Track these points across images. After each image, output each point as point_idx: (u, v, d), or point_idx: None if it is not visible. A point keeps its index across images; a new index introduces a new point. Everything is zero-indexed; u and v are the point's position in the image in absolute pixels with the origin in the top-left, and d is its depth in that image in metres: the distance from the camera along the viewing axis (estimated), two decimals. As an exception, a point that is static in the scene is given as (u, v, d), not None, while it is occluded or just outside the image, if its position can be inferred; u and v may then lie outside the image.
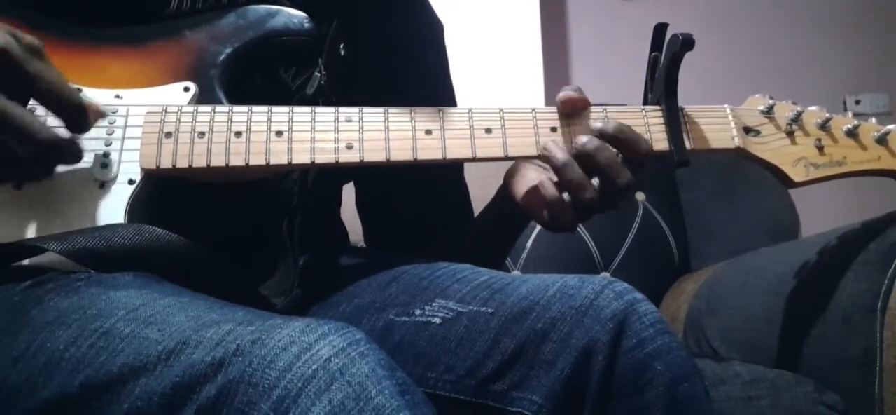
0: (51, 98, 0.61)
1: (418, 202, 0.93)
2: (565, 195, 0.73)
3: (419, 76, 0.92)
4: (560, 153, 0.72)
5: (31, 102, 0.61)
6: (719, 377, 0.95)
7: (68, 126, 0.62)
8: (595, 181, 0.73)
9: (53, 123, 0.62)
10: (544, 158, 0.73)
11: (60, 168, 0.65)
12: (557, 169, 0.72)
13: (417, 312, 0.70)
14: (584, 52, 2.36)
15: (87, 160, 0.66)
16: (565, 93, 0.75)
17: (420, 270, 0.75)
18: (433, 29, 0.97)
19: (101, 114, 0.66)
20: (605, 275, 1.41)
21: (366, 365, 0.47)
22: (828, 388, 0.93)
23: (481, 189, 0.99)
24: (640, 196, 1.49)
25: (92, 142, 0.67)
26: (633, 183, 0.72)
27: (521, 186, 0.80)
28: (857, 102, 2.41)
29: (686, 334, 1.23)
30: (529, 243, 1.42)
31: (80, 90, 0.70)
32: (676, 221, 1.49)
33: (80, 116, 0.62)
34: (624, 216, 1.46)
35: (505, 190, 0.83)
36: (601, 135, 0.73)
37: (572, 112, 0.75)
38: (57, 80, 0.61)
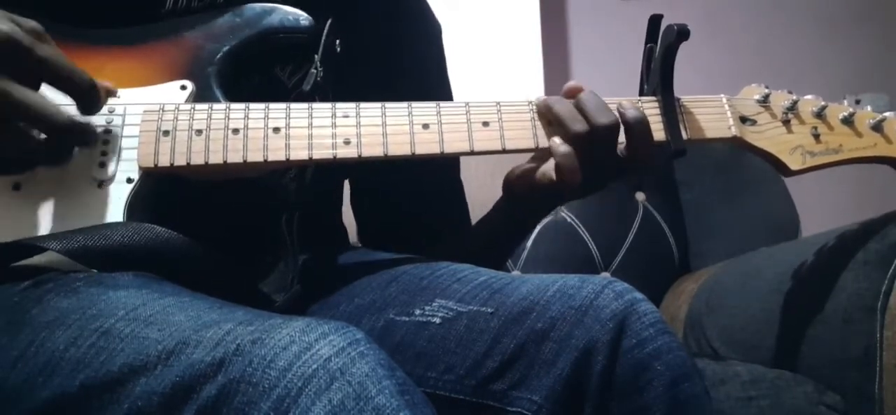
0: (64, 80, 0.61)
1: (413, 201, 0.93)
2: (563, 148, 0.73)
3: (416, 74, 0.92)
4: (545, 99, 0.74)
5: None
6: (719, 377, 0.94)
7: (81, 107, 0.63)
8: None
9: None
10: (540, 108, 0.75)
11: (58, 168, 0.65)
12: (548, 103, 0.74)
13: (417, 311, 0.70)
14: (584, 52, 2.36)
15: (85, 159, 0.66)
16: (571, 84, 0.76)
17: (420, 269, 0.75)
18: (430, 27, 0.97)
19: (111, 92, 0.67)
20: (605, 275, 1.41)
21: (366, 365, 0.47)
22: (828, 388, 0.93)
23: (479, 190, 0.99)
24: (640, 196, 1.49)
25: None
26: (615, 125, 0.72)
27: (514, 171, 0.81)
28: (857, 102, 2.39)
29: (686, 334, 1.23)
30: (529, 243, 1.41)
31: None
32: (676, 221, 1.49)
33: (94, 96, 0.63)
34: (624, 216, 1.46)
35: (504, 189, 0.84)
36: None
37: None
38: (66, 63, 0.61)
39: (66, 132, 0.61)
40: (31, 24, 0.60)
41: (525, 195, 0.80)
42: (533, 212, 0.85)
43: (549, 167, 0.75)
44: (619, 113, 0.73)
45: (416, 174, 0.89)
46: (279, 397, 0.45)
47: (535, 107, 0.75)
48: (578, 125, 0.72)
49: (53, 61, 0.60)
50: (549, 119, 0.75)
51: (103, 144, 0.68)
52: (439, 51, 0.97)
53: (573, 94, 0.75)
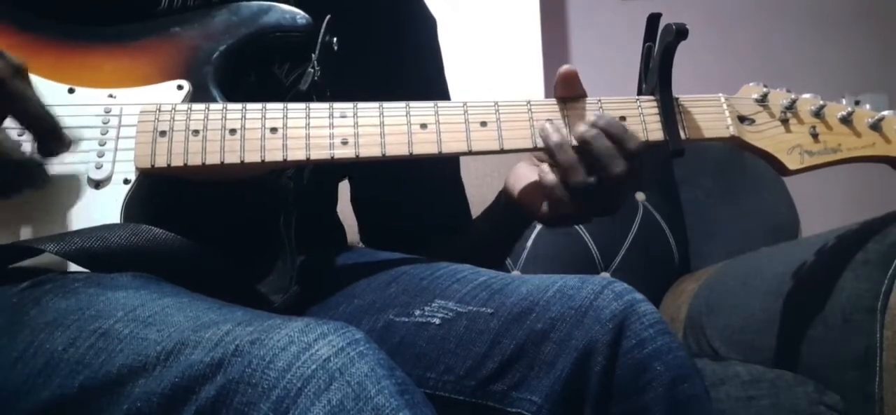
0: (31, 119, 0.61)
1: (414, 201, 0.93)
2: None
3: (413, 71, 0.92)
4: (555, 135, 0.73)
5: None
6: (719, 377, 0.94)
7: (42, 148, 0.63)
8: (592, 179, 0.72)
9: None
10: (543, 139, 0.73)
11: (55, 168, 0.65)
12: (552, 150, 0.72)
13: (417, 312, 0.70)
14: (584, 52, 2.36)
15: (81, 160, 0.66)
16: (564, 68, 0.75)
17: (420, 270, 0.75)
18: (426, 23, 0.97)
19: (70, 142, 0.65)
20: (605, 275, 1.41)
21: (365, 365, 0.47)
22: (828, 388, 0.93)
23: (479, 190, 0.99)
24: (640, 196, 1.48)
25: (86, 142, 0.67)
26: (628, 174, 0.72)
27: (519, 182, 0.80)
28: (857, 103, 2.39)
29: (686, 334, 1.23)
30: (529, 243, 1.41)
31: (72, 90, 0.70)
32: (676, 221, 1.49)
33: (56, 140, 0.63)
34: (624, 216, 1.46)
35: (504, 191, 0.83)
36: (594, 125, 0.72)
37: (569, 93, 0.75)
38: (37, 103, 0.61)
39: (18, 170, 0.61)
40: (15, 61, 0.60)
41: (524, 201, 0.79)
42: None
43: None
44: (598, 128, 0.72)
45: (417, 174, 0.89)
46: (278, 397, 0.45)
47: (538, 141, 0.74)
48: (578, 176, 0.72)
49: (25, 98, 0.60)
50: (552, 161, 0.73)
51: (100, 144, 0.68)
52: (435, 47, 0.97)
53: (567, 79, 0.75)
